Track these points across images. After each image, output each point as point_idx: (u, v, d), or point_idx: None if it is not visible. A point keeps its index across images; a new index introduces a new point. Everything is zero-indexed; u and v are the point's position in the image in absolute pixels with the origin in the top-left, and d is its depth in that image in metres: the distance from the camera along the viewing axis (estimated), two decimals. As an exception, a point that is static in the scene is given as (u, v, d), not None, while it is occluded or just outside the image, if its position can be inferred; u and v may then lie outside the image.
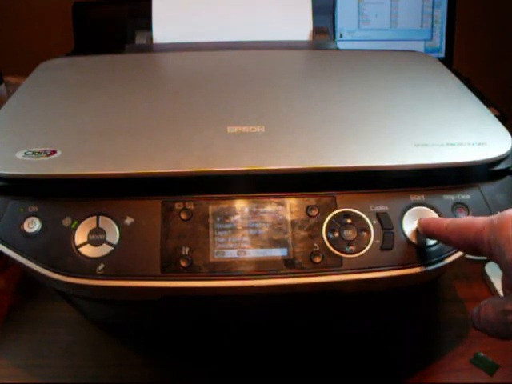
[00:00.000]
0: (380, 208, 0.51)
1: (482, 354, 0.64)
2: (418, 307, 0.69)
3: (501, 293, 0.70)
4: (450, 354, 0.64)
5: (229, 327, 0.62)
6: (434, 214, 0.51)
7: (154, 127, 0.55)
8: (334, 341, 0.65)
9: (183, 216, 0.50)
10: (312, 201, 0.51)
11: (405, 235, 0.50)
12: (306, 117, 0.57)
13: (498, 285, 0.72)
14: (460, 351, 0.65)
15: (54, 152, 0.51)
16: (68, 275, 0.48)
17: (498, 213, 0.41)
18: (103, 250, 0.49)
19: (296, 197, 0.51)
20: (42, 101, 0.62)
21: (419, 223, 0.49)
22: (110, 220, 0.50)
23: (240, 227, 0.50)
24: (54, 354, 0.64)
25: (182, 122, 0.56)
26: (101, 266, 0.48)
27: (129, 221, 0.50)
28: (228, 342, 0.64)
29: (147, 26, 0.84)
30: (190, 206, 0.51)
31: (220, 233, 0.50)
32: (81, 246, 0.49)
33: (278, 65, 0.72)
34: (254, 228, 0.50)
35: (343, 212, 0.51)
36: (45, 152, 0.51)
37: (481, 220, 0.42)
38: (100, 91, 0.63)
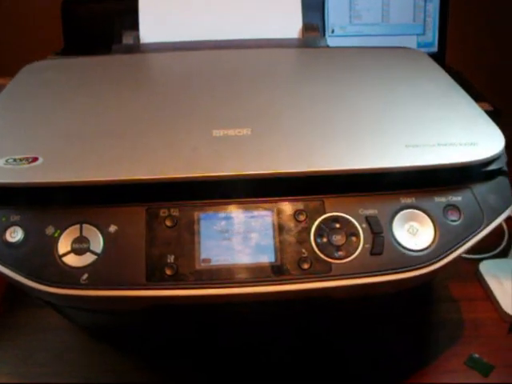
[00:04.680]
0: (369, 211, 0.50)
1: (476, 355, 0.63)
2: (410, 307, 0.68)
3: (495, 292, 0.70)
4: (445, 355, 0.64)
5: (218, 334, 0.61)
6: (425, 217, 0.50)
7: (140, 131, 0.54)
8: (324, 341, 0.64)
9: (168, 223, 0.49)
10: (300, 205, 0.50)
11: (395, 239, 0.49)
12: (294, 118, 0.56)
13: (492, 284, 0.71)
14: (454, 352, 0.64)
15: (35, 159, 0.50)
16: (51, 285, 0.47)
17: None
18: (87, 258, 0.48)
19: (283, 201, 0.50)
20: (25, 105, 0.60)
21: None
22: (93, 228, 0.49)
23: (226, 233, 0.49)
24: (42, 361, 0.63)
25: (168, 126, 0.55)
26: (85, 276, 0.47)
27: (113, 229, 0.49)
28: (220, 346, 0.63)
29: (134, 25, 0.83)
30: (175, 213, 0.50)
31: (206, 239, 0.49)
32: (64, 255, 0.48)
33: (266, 64, 0.70)
34: (240, 234, 0.49)
35: (331, 216, 0.50)
36: (26, 159, 0.50)
37: None
38: (85, 95, 0.62)
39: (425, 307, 0.70)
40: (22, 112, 0.59)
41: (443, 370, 0.62)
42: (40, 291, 0.48)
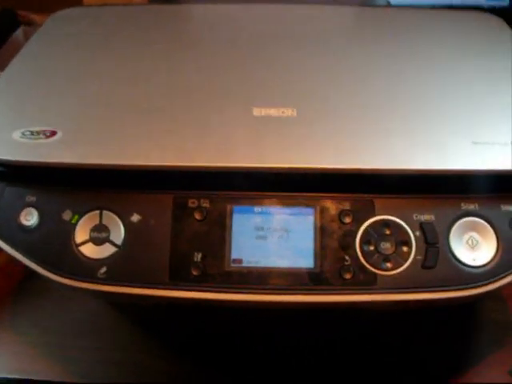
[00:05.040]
0: (425, 217, 0.44)
1: (522, 365, 0.58)
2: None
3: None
4: (487, 361, 0.58)
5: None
6: (488, 228, 0.44)
7: (170, 105, 0.48)
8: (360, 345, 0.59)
9: (197, 215, 0.44)
10: (346, 204, 0.44)
11: (451, 252, 0.43)
12: (347, 99, 0.49)
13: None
14: (497, 359, 0.59)
15: (53, 133, 0.45)
16: (66, 277, 0.43)
17: None
18: (106, 250, 0.44)
19: (328, 199, 0.44)
20: (48, 63, 0.54)
21: None
22: (114, 216, 0.44)
23: (261, 231, 0.44)
24: (63, 332, 0.61)
25: (202, 99, 0.49)
26: (103, 269, 0.43)
27: (135, 218, 0.44)
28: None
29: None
30: (206, 204, 0.44)
31: (238, 237, 0.44)
32: (82, 244, 0.44)
33: (318, 25, 0.62)
34: (277, 233, 0.44)
35: (382, 220, 0.44)
36: (44, 133, 0.45)
37: None
38: (114, 52, 0.55)
39: (468, 303, 0.64)
40: (44, 73, 0.53)
41: (482, 378, 0.57)
42: (54, 281, 0.44)
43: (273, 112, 0.47)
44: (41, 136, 0.45)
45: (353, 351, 0.56)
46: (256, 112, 0.47)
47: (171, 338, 0.59)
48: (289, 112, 0.47)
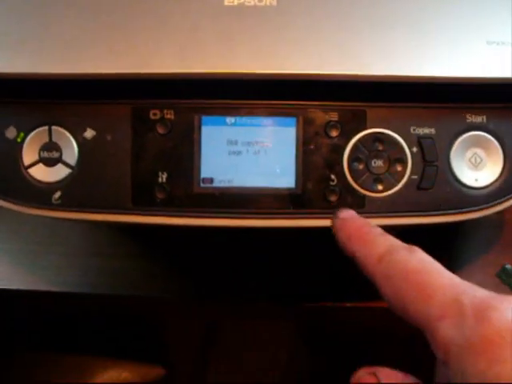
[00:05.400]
0: (424, 131, 0.38)
1: (510, 267, 0.55)
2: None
3: None
4: (474, 263, 0.55)
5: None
6: (495, 144, 0.38)
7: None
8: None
9: (160, 129, 0.38)
10: (333, 115, 0.38)
11: (451, 171, 0.38)
12: None
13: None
14: (486, 260, 0.55)
15: (-16, 30, 0.38)
16: (17, 203, 0.38)
17: (476, 294, 0.25)
18: (59, 172, 0.38)
19: (312, 108, 0.38)
20: None
21: (334, 221, 0.34)
22: (65, 132, 0.38)
23: (234, 145, 0.38)
24: (39, 237, 0.57)
25: None
26: (57, 194, 0.38)
27: (89, 134, 0.38)
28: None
29: None
30: (170, 115, 0.38)
31: (208, 153, 0.38)
32: (31, 165, 0.38)
33: None
34: (252, 148, 0.38)
35: (374, 133, 0.38)
36: (-28, 30, 0.38)
37: (445, 296, 0.26)
38: None
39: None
40: None
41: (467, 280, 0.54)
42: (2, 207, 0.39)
43: (248, 0, 0.39)
44: (-31, 35, 0.37)
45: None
46: (227, 1, 0.39)
47: (149, 240, 0.56)
48: (267, 0, 0.39)
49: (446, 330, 0.25)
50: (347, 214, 0.34)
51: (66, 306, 0.62)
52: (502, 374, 0.22)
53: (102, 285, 0.52)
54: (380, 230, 0.32)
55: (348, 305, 0.50)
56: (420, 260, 0.28)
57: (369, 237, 0.31)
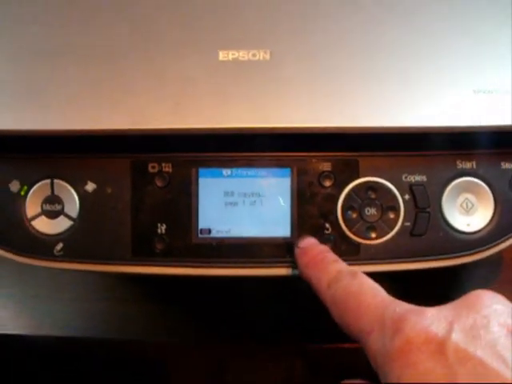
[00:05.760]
0: (416, 178, 0.39)
1: None
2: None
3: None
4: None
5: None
6: (486, 189, 0.39)
7: (120, 52, 0.40)
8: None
9: (159, 182, 0.39)
10: (327, 165, 0.39)
11: (443, 217, 0.38)
12: (332, 37, 0.40)
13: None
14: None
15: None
16: (21, 254, 0.40)
17: (397, 309, 0.28)
18: (61, 224, 0.39)
19: (306, 159, 0.39)
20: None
21: (295, 250, 0.38)
22: (66, 185, 0.39)
23: (231, 197, 0.40)
24: (43, 281, 0.58)
25: (158, 41, 0.40)
26: (59, 246, 0.39)
27: (90, 187, 0.39)
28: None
29: None
30: (168, 169, 0.39)
31: (206, 205, 0.39)
32: (34, 218, 0.39)
33: None
34: (249, 199, 0.39)
35: (367, 182, 0.39)
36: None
37: (373, 314, 0.30)
38: None
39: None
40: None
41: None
42: (7, 258, 0.40)
43: (242, 55, 0.40)
44: (-26, 94, 0.39)
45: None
46: (222, 56, 0.40)
47: (155, 286, 0.56)
48: (260, 54, 0.40)
49: (373, 342, 0.28)
50: (307, 243, 0.38)
51: (67, 350, 0.63)
52: (414, 376, 0.25)
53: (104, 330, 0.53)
54: (333, 257, 0.36)
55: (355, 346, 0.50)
56: (359, 284, 0.32)
57: (322, 264, 0.35)
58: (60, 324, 0.52)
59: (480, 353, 0.24)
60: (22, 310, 0.53)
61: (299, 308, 0.52)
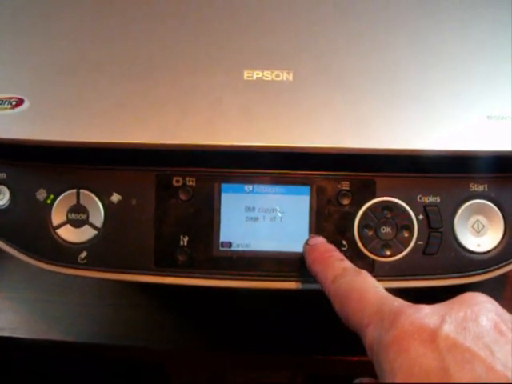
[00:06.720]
0: (430, 199, 0.40)
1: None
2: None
3: None
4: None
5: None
6: (496, 211, 0.41)
7: (150, 71, 0.42)
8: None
9: (182, 195, 0.41)
10: (345, 184, 0.41)
11: (455, 237, 0.40)
12: (353, 60, 0.42)
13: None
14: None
15: (21, 102, 0.40)
16: (45, 262, 0.41)
17: (395, 303, 0.31)
18: (85, 233, 0.41)
19: (325, 178, 0.41)
20: (13, 21, 0.46)
21: (304, 247, 0.40)
22: (92, 196, 0.41)
23: (252, 212, 0.41)
24: (49, 288, 0.59)
25: (186, 61, 0.42)
26: (83, 254, 0.40)
27: (115, 198, 0.41)
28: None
29: None
30: (191, 183, 0.41)
31: (227, 219, 0.41)
32: (59, 226, 0.41)
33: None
34: (269, 215, 0.41)
35: (383, 202, 0.40)
36: (9, 101, 0.40)
37: (372, 308, 0.31)
38: (87, 11, 0.45)
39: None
40: (8, 31, 0.45)
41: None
42: (31, 265, 0.41)
43: (266, 75, 0.42)
44: (6, 105, 0.40)
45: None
46: (247, 75, 0.42)
47: (160, 294, 0.58)
48: (284, 75, 0.41)
49: (371, 334, 0.31)
50: (316, 241, 0.40)
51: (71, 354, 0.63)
52: (406, 360, 0.27)
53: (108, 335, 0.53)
54: (340, 256, 0.38)
55: (355, 359, 0.52)
56: (363, 281, 0.34)
57: (329, 261, 0.37)
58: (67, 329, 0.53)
59: (469, 342, 0.27)
60: (32, 314, 0.55)
61: (301, 319, 0.53)
